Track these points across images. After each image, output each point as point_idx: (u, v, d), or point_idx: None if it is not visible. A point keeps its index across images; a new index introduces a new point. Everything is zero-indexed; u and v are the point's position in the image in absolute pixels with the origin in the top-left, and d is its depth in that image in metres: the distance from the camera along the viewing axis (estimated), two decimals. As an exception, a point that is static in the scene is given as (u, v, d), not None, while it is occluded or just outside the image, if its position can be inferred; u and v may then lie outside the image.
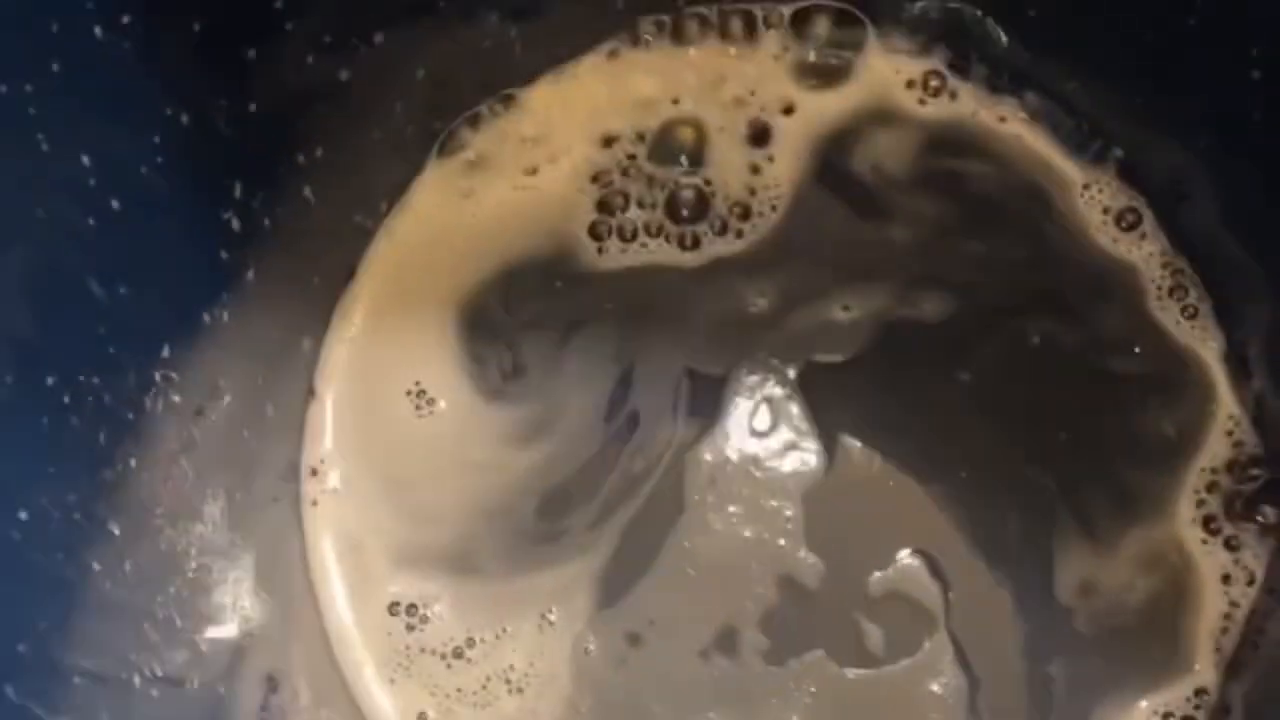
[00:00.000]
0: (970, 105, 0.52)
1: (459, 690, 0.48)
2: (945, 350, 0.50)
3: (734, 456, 0.50)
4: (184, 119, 0.39)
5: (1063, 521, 0.49)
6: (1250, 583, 0.47)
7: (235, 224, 0.43)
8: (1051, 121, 0.51)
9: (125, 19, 0.36)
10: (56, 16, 0.34)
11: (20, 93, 0.33)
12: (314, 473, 0.50)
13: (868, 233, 0.51)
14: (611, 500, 0.50)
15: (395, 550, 0.50)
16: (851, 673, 0.49)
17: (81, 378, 0.36)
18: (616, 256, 0.51)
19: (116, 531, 0.37)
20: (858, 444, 0.50)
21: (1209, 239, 0.49)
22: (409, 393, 0.51)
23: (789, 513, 0.50)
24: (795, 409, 0.50)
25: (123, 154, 0.37)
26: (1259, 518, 0.47)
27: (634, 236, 0.51)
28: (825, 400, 0.50)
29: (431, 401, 0.51)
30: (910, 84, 0.52)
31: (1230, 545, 0.48)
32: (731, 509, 0.50)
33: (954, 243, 0.51)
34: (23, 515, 0.33)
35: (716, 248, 0.51)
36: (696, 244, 0.51)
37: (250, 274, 0.45)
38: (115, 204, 0.37)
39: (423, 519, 0.50)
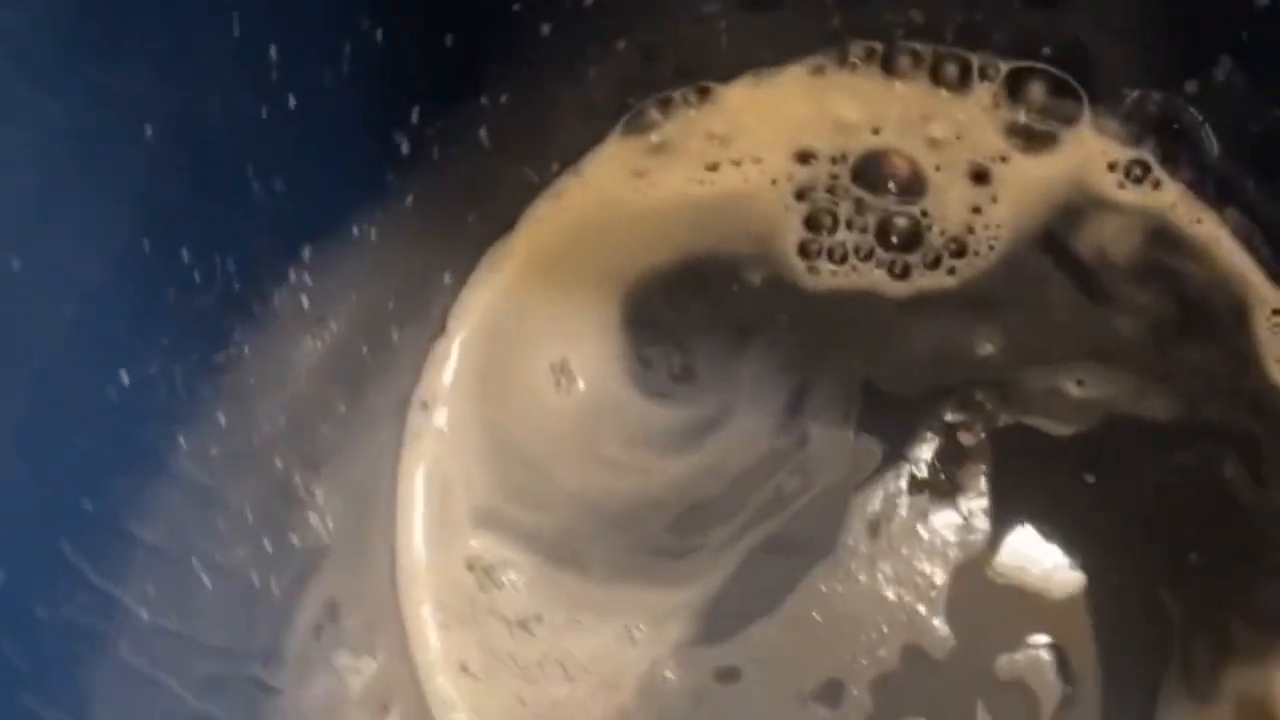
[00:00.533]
0: (1170, 199, 0.50)
1: (511, 657, 0.48)
2: (1147, 453, 0.48)
3: (903, 511, 0.48)
4: (378, 35, 0.39)
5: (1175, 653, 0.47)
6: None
7: (405, 147, 0.44)
8: (1248, 240, 0.49)
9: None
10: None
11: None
12: (424, 407, 0.50)
13: (1096, 313, 0.50)
14: (755, 519, 0.48)
15: (482, 512, 0.49)
16: None
17: (217, 258, 0.36)
18: (826, 278, 0.50)
19: (215, 415, 0.37)
20: (1030, 527, 0.48)
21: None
22: (552, 366, 0.50)
23: (938, 581, 0.48)
24: (984, 471, 0.49)
25: (310, 54, 0.38)
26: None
27: (844, 259, 0.50)
28: (1015, 469, 0.48)
29: (573, 380, 0.50)
30: (1112, 167, 0.50)
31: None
32: (882, 565, 0.48)
33: (1176, 345, 0.49)
34: (124, 378, 0.33)
35: (926, 280, 0.50)
36: (906, 273, 0.50)
37: (409, 199, 0.45)
38: (292, 100, 0.37)
39: (526, 499, 0.49)
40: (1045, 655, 0.47)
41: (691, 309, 0.50)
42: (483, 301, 0.51)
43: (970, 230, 0.50)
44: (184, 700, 0.37)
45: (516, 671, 0.48)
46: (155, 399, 0.35)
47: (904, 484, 0.48)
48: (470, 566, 0.49)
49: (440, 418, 0.50)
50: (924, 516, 0.48)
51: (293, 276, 0.40)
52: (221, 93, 0.35)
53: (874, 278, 0.50)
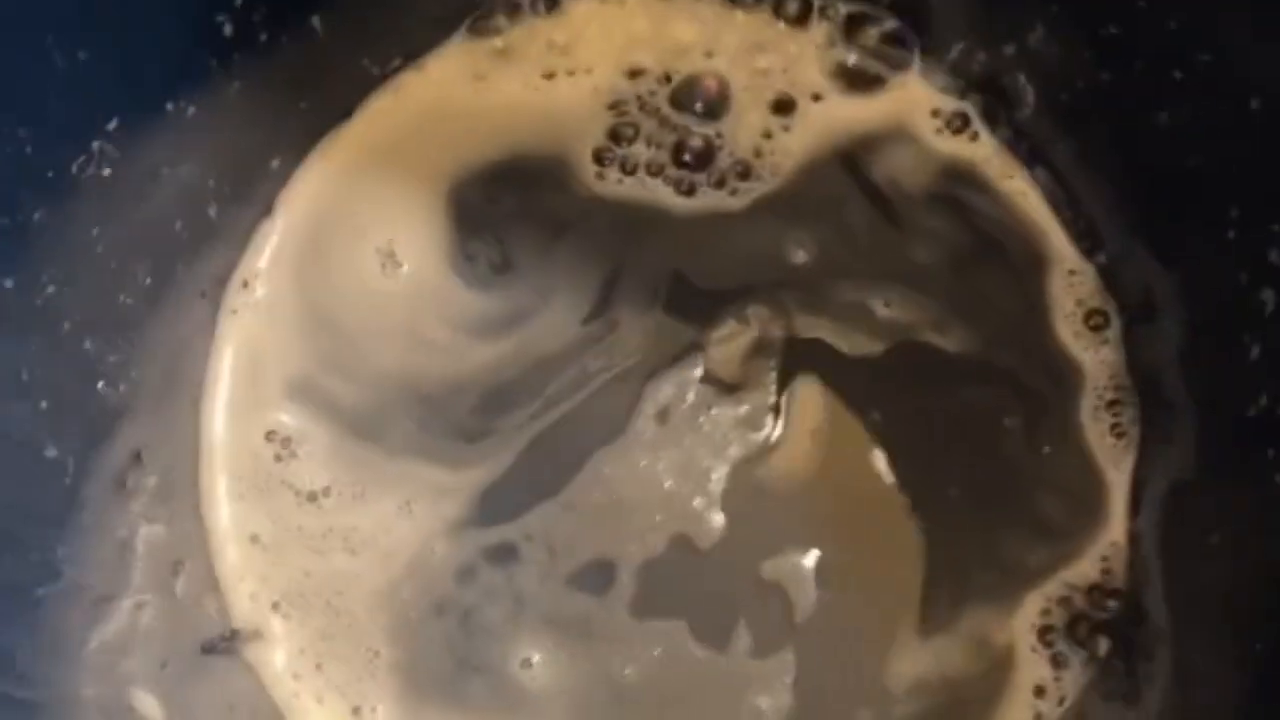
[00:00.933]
0: (985, 153, 0.52)
1: (299, 528, 0.50)
2: (934, 383, 0.51)
3: (693, 401, 0.51)
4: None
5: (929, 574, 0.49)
6: (1061, 703, 0.47)
7: (227, 29, 0.44)
8: (1053, 202, 0.51)
9: None
10: None
11: None
12: (244, 284, 0.51)
13: (896, 238, 0.51)
14: (552, 401, 0.51)
15: (294, 384, 0.51)
16: (699, 652, 0.49)
17: (6, 126, 0.37)
18: (613, 185, 0.52)
19: (7, 285, 0.38)
20: (810, 436, 0.50)
21: (1158, 369, 0.49)
22: (378, 249, 0.51)
23: (715, 476, 0.50)
24: (774, 373, 0.51)
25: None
26: (1093, 648, 0.47)
27: (634, 171, 0.52)
28: (808, 377, 0.51)
29: (398, 265, 0.51)
30: (935, 113, 0.52)
31: (1056, 661, 0.48)
32: (665, 453, 0.50)
33: (975, 280, 0.51)
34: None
35: (710, 200, 0.51)
36: (692, 191, 0.51)
37: (234, 82, 0.46)
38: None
39: (339, 370, 0.51)
40: (807, 563, 0.49)
41: (510, 206, 0.52)
42: (312, 187, 0.52)
43: (758, 154, 0.51)
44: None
45: (303, 543, 0.50)
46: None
47: (697, 374, 0.51)
48: (269, 437, 0.50)
49: (259, 293, 0.51)
50: (711, 410, 0.50)
51: (95, 147, 0.41)
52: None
53: (660, 193, 0.51)
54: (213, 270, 0.50)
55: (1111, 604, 0.48)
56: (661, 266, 0.51)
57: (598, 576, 0.49)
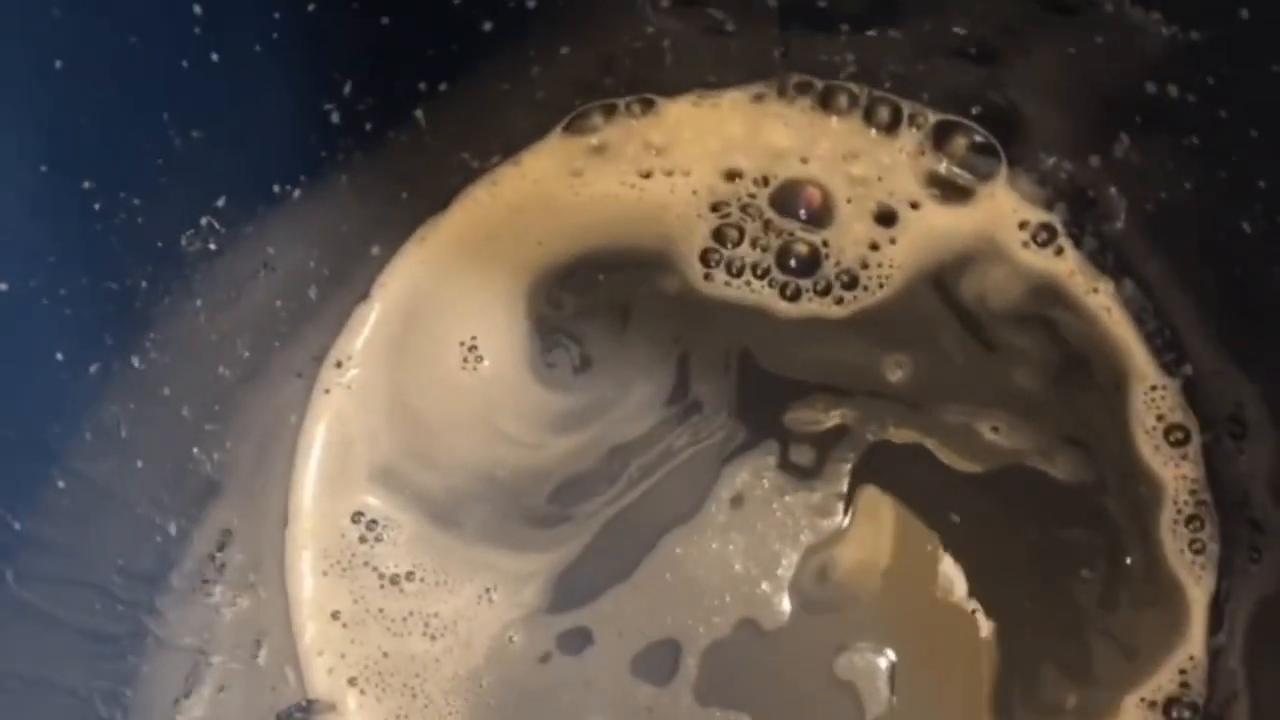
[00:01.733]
0: (1070, 266, 0.52)
1: (380, 610, 0.51)
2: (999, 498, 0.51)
3: (767, 487, 0.51)
4: (310, 6, 0.42)
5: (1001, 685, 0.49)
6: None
7: (335, 117, 0.46)
8: (1137, 315, 0.51)
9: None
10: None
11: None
12: (339, 364, 0.53)
13: (990, 360, 0.52)
14: (626, 488, 0.51)
15: (380, 469, 0.52)
16: None
17: (122, 194, 0.39)
18: (720, 286, 0.53)
19: (103, 338, 0.40)
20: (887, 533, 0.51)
21: (1244, 486, 0.48)
22: (461, 343, 0.53)
23: (785, 561, 0.50)
24: (847, 468, 0.51)
25: (237, 14, 0.40)
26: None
27: (740, 273, 0.53)
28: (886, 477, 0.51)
29: (480, 359, 0.53)
30: (1023, 225, 0.53)
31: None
32: (736, 536, 0.51)
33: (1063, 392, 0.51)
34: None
35: (813, 307, 0.52)
36: (797, 296, 0.52)
37: (338, 169, 0.48)
38: (214, 56, 0.40)
39: (423, 459, 0.52)
40: (880, 662, 0.49)
41: (598, 303, 0.53)
42: (408, 275, 0.53)
43: (864, 265, 0.52)
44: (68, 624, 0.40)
45: (384, 624, 0.51)
46: (39, 310, 0.38)
47: (775, 459, 0.51)
48: (356, 519, 0.51)
49: (350, 376, 0.53)
50: (786, 494, 0.51)
51: (203, 221, 0.43)
52: (139, 37, 0.38)
53: (764, 295, 0.52)
54: (309, 350, 0.52)
55: (1188, 716, 0.47)
56: (761, 366, 0.52)
57: (664, 659, 0.49)
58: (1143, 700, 0.48)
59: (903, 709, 0.48)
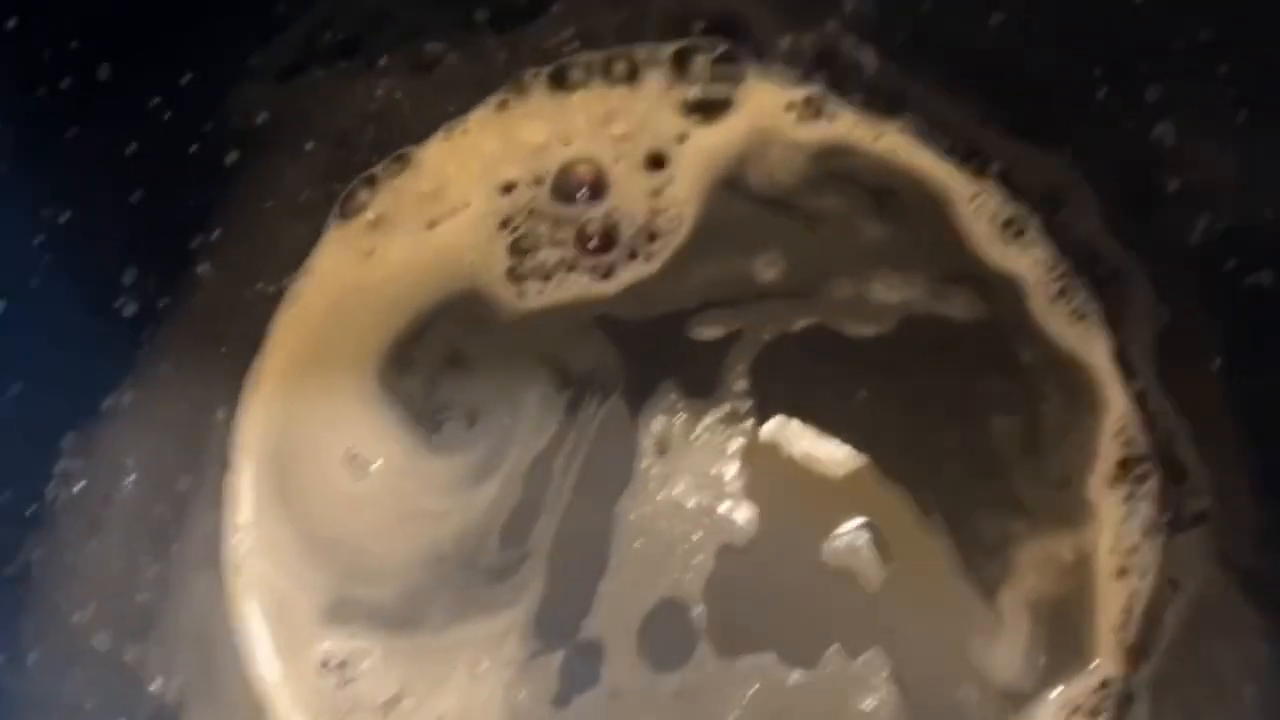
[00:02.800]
0: (847, 125, 0.53)
1: (391, 740, 0.49)
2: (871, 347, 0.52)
3: (683, 422, 0.51)
4: (63, 217, 0.40)
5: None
6: (1144, 575, 0.49)
7: (129, 309, 0.45)
8: (928, 140, 0.53)
9: (-7, 128, 0.37)
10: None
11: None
12: (235, 539, 0.51)
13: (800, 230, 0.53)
14: (562, 479, 0.51)
15: (326, 610, 0.50)
16: (793, 676, 0.49)
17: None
18: (535, 297, 0.53)
19: (17, 624, 0.38)
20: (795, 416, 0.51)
21: (1089, 245, 0.51)
22: (342, 458, 0.51)
23: (728, 476, 0.51)
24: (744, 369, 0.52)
25: (6, 258, 0.38)
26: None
27: (550, 275, 0.53)
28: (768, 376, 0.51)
29: (367, 463, 0.51)
30: (789, 107, 0.54)
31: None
32: (675, 479, 0.51)
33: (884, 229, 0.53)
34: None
35: (630, 273, 0.53)
36: (611, 272, 0.53)
37: (150, 354, 0.46)
38: (1, 305, 0.38)
39: (364, 578, 0.51)
40: (860, 539, 0.50)
41: (442, 360, 0.52)
42: (257, 425, 0.52)
43: (655, 213, 0.53)
44: None
45: (401, 752, 0.49)
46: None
47: (675, 397, 0.51)
48: (324, 668, 0.50)
49: (253, 542, 0.51)
50: (701, 420, 0.51)
51: (57, 469, 0.41)
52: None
53: (582, 285, 0.52)
54: (203, 537, 0.50)
55: (1142, 469, 0.49)
56: (614, 338, 0.52)
57: (672, 622, 0.49)
58: (1102, 480, 0.50)
59: (898, 578, 0.50)
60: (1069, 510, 0.49)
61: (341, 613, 0.50)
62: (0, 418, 0.38)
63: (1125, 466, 0.50)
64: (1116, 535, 0.49)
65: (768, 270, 0.52)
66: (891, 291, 0.52)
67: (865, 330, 0.52)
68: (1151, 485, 0.49)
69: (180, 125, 0.44)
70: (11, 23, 0.36)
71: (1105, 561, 0.49)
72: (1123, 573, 0.49)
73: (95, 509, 0.42)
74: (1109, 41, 0.44)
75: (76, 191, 0.41)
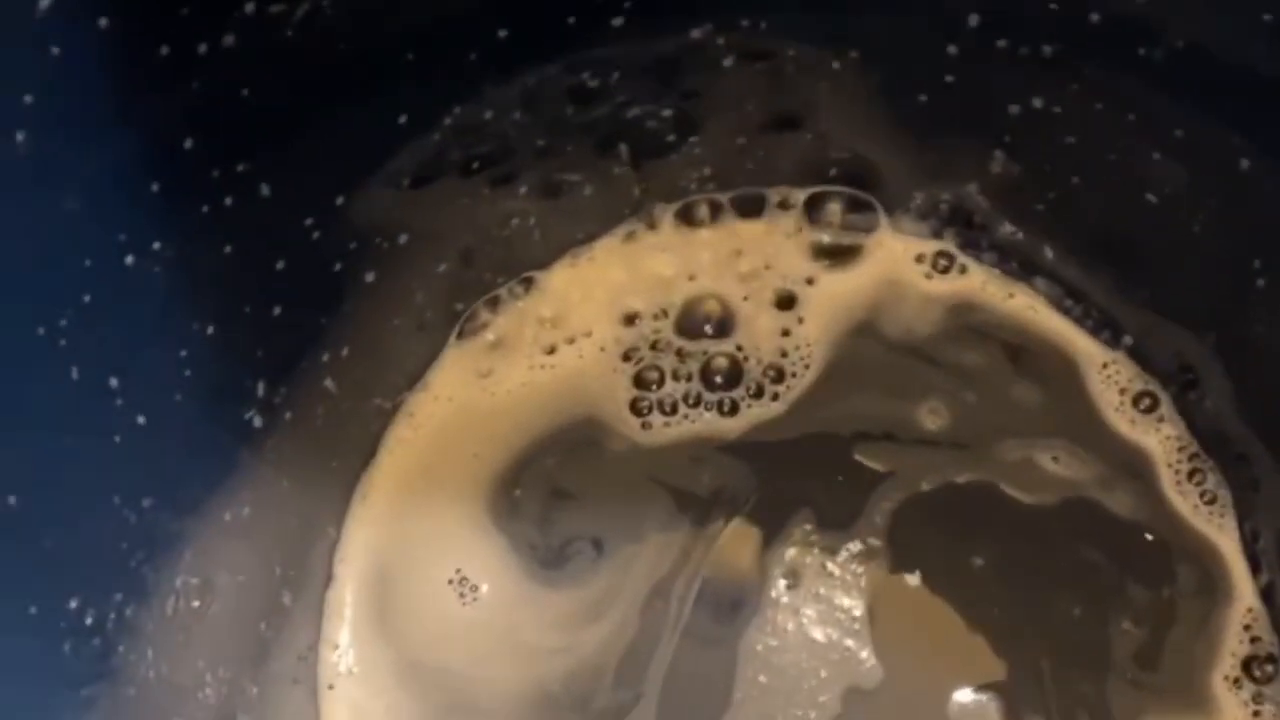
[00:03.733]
0: (979, 280, 0.53)
1: None
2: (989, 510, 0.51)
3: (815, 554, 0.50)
4: (210, 330, 0.40)
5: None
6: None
7: (257, 421, 0.44)
8: (1061, 306, 0.52)
9: (156, 245, 0.37)
10: (90, 253, 0.35)
11: (54, 327, 0.34)
12: (334, 660, 0.50)
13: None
14: (681, 605, 0.50)
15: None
16: None
17: (105, 595, 0.36)
18: (660, 430, 0.52)
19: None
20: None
21: (1217, 428, 0.50)
22: (450, 580, 0.50)
23: (857, 613, 0.50)
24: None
25: (150, 373, 0.38)
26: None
27: (674, 410, 0.52)
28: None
29: (475, 588, 0.50)
30: (920, 259, 0.53)
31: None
32: (805, 610, 0.50)
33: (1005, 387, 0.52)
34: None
35: (755, 412, 0.52)
36: (735, 409, 0.52)
37: (271, 469, 0.45)
38: (141, 419, 0.38)
39: (466, 711, 0.49)
40: (983, 697, 0.48)
41: (559, 490, 0.51)
42: (364, 539, 0.51)
43: (783, 354, 0.52)
44: None
45: None
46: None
47: (810, 528, 0.50)
48: (420, 805, 0.49)
49: (349, 663, 0.50)
50: (833, 554, 0.50)
51: (179, 583, 0.40)
52: (72, 438, 0.35)
53: (706, 421, 0.52)
54: (297, 653, 0.49)
55: (1271, 669, 0.48)
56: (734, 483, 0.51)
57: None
58: (1225, 678, 0.48)
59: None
60: (1191, 703, 0.48)
61: (437, 743, 0.49)
62: (134, 534, 0.38)
63: (1249, 660, 0.48)
64: (1240, 733, 0.48)
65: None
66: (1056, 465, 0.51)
67: (1026, 497, 0.51)
68: (1278, 683, 0.48)
69: (328, 244, 0.44)
70: (188, 143, 0.36)
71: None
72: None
73: (209, 621, 0.42)
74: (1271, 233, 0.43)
75: (222, 307, 0.40)
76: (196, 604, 0.41)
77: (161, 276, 0.37)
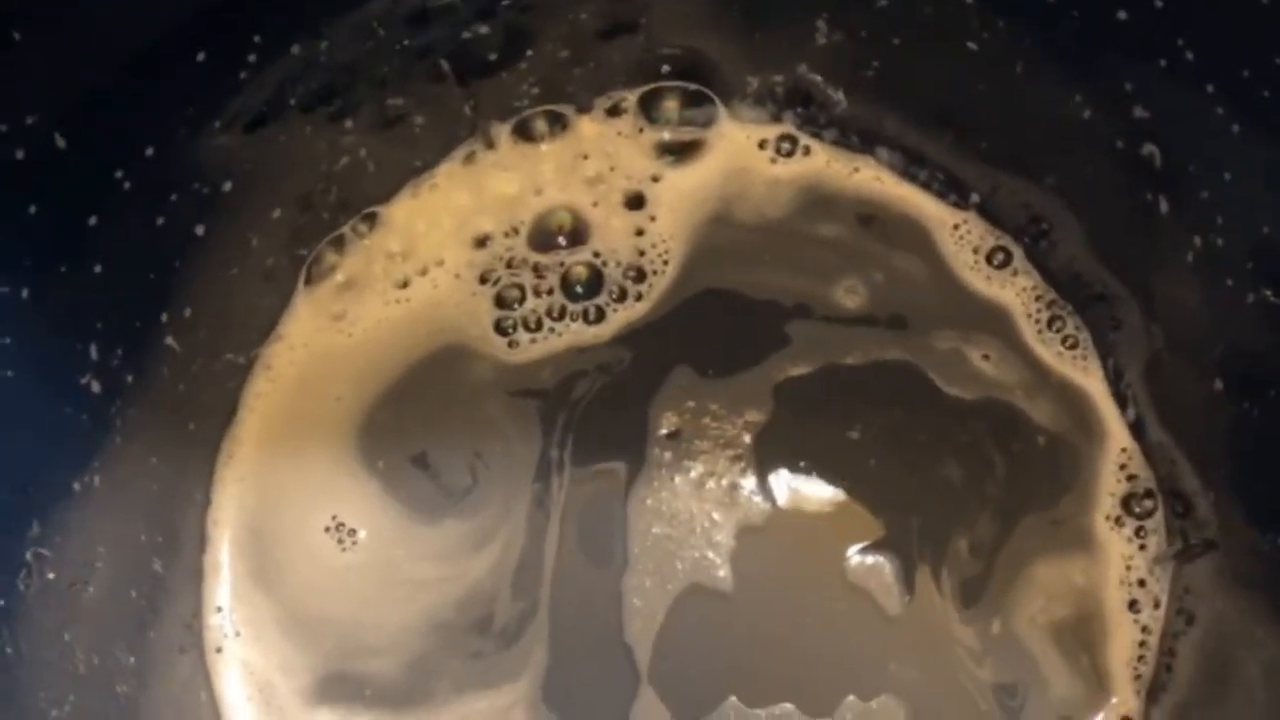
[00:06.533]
0: (824, 158, 0.53)
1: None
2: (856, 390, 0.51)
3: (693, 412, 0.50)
4: (24, 294, 0.39)
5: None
6: (1156, 606, 0.47)
7: (95, 386, 0.43)
8: (906, 173, 0.52)
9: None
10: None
11: None
12: (214, 619, 0.49)
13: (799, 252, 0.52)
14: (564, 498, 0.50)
15: (314, 690, 0.48)
16: None
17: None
18: (528, 348, 0.51)
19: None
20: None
21: (1072, 270, 0.50)
22: (326, 529, 0.50)
23: (740, 454, 0.50)
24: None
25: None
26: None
27: (539, 325, 0.51)
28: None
29: (353, 532, 0.50)
30: (763, 145, 0.53)
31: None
32: (688, 462, 0.50)
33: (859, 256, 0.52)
34: None
35: (621, 315, 0.52)
36: (601, 316, 0.51)
37: (118, 433, 0.44)
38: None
39: (361, 652, 0.48)
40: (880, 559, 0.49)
41: (428, 423, 0.51)
42: (235, 498, 0.50)
43: (640, 253, 0.52)
44: None
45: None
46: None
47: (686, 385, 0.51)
48: (319, 753, 0.48)
49: (236, 622, 0.49)
50: (710, 414, 0.50)
51: (28, 556, 0.39)
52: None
53: (573, 331, 0.51)
54: (183, 620, 0.48)
55: (1149, 503, 0.48)
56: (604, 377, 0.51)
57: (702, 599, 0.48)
58: (1107, 518, 0.48)
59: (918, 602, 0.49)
60: (1074, 541, 0.48)
61: (332, 692, 0.48)
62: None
63: (1128, 498, 0.49)
64: (1124, 568, 0.48)
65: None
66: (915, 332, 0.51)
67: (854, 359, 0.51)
68: (1157, 516, 0.48)
69: (143, 197, 0.42)
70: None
71: (1114, 595, 0.48)
72: (1133, 606, 0.48)
73: (69, 598, 0.40)
74: (1091, 65, 0.43)
75: (33, 267, 0.39)
76: (52, 576, 0.40)
77: (-42, 241, 0.35)
